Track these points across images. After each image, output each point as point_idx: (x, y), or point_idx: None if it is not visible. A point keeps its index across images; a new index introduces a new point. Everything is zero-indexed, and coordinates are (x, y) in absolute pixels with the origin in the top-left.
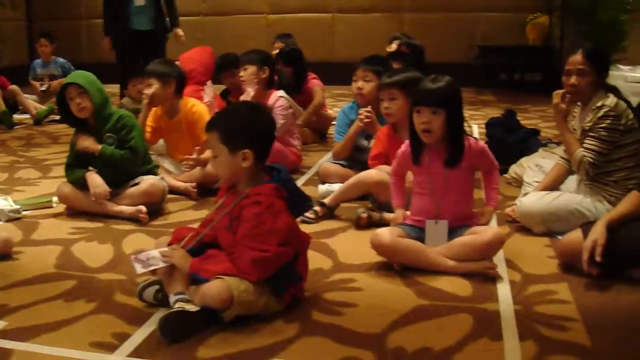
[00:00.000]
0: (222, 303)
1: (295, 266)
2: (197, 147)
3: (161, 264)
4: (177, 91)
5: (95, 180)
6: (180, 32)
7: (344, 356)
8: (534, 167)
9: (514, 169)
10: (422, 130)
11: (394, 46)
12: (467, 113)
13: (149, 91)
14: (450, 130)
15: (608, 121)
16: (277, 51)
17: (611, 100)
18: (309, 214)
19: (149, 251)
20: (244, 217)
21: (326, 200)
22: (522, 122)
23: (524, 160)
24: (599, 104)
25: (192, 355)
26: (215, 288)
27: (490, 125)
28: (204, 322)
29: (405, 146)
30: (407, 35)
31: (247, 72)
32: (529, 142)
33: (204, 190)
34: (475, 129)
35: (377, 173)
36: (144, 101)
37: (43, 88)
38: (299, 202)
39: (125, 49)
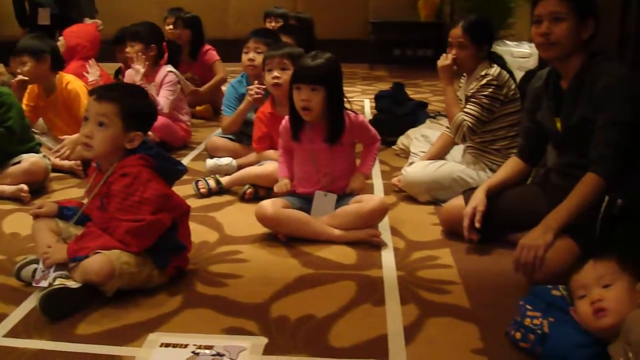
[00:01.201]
0: (104, 277)
1: (177, 236)
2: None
3: (52, 272)
4: (53, 67)
5: None
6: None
7: (227, 327)
8: (420, 138)
9: (401, 140)
10: (302, 107)
11: (273, 24)
12: (359, 88)
13: (22, 70)
14: (330, 107)
15: (490, 90)
16: (170, 26)
17: (494, 70)
18: (202, 187)
19: (36, 267)
20: (114, 192)
21: (223, 181)
22: (413, 96)
23: (411, 132)
24: (483, 73)
25: (71, 332)
26: (96, 263)
27: (379, 98)
28: (86, 298)
29: (285, 121)
30: (278, 7)
31: (134, 49)
32: (417, 114)
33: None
34: (367, 104)
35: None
36: (15, 79)
37: None
38: (170, 169)
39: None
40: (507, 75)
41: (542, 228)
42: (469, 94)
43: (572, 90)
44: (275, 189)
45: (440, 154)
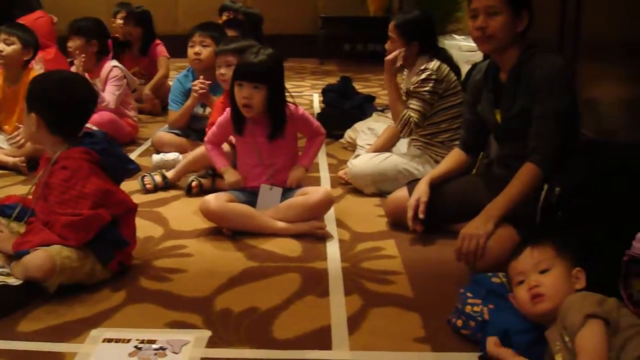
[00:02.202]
0: (45, 273)
1: (119, 231)
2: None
3: None
4: (29, 61)
5: None
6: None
7: (171, 321)
8: (367, 131)
9: (348, 133)
10: (243, 105)
11: (224, 17)
12: (309, 83)
13: (5, 49)
14: (271, 104)
15: (430, 85)
16: (120, 21)
17: (434, 64)
18: (147, 182)
19: None
20: (52, 184)
21: (169, 174)
22: (362, 90)
23: (358, 125)
24: (422, 67)
25: (12, 330)
26: (37, 259)
27: (326, 91)
28: (28, 295)
29: (227, 114)
30: (234, 1)
31: (75, 44)
32: (365, 108)
33: (36, 165)
34: (316, 98)
35: None
36: None
37: None
38: (118, 166)
39: None
40: (447, 69)
41: (483, 217)
42: (411, 88)
43: (510, 83)
44: (228, 186)
45: (386, 147)
